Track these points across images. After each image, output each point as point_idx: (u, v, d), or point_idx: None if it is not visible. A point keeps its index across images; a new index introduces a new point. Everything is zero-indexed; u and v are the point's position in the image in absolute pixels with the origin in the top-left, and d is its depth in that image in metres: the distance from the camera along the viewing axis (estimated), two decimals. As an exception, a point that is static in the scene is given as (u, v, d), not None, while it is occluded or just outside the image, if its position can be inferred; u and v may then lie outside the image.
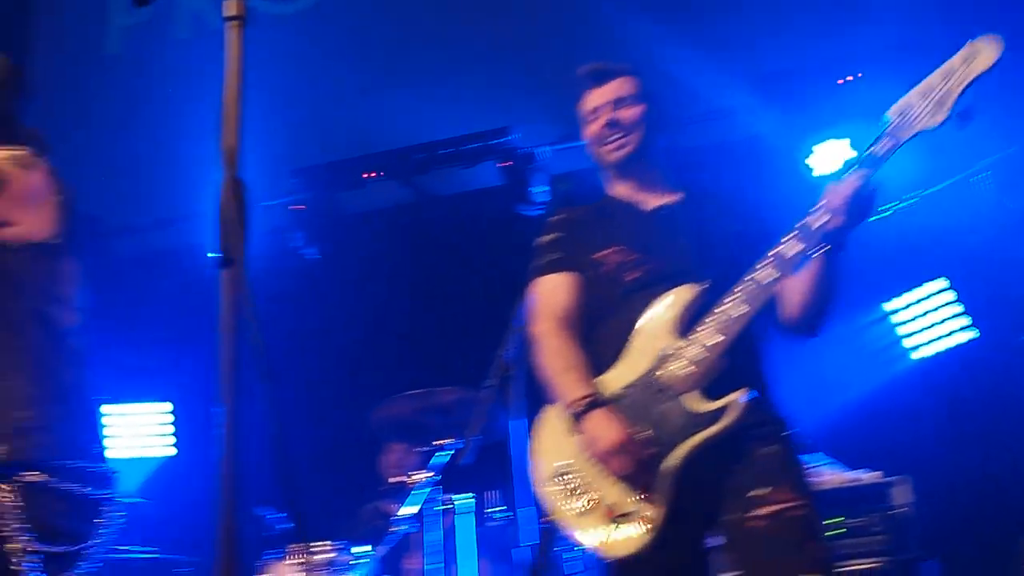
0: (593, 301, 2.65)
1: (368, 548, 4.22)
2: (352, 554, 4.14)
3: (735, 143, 5.54)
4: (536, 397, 2.72)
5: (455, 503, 4.21)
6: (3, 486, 2.18)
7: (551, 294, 2.70)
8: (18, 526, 2.17)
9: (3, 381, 2.27)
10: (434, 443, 4.12)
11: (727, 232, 2.60)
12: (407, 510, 4.02)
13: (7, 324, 2.32)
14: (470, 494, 4.26)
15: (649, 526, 2.37)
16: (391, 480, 4.99)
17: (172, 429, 6.28)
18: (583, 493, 2.48)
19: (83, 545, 2.31)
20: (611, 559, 2.44)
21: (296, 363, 5.83)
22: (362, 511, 4.92)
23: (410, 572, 4.29)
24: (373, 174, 5.87)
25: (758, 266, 2.38)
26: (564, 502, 2.51)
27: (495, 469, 4.44)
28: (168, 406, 6.29)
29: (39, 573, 2.19)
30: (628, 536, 2.39)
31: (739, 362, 2.41)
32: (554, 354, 2.60)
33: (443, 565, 4.06)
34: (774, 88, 5.33)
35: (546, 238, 2.79)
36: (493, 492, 4.64)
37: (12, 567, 2.16)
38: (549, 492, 2.54)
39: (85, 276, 2.53)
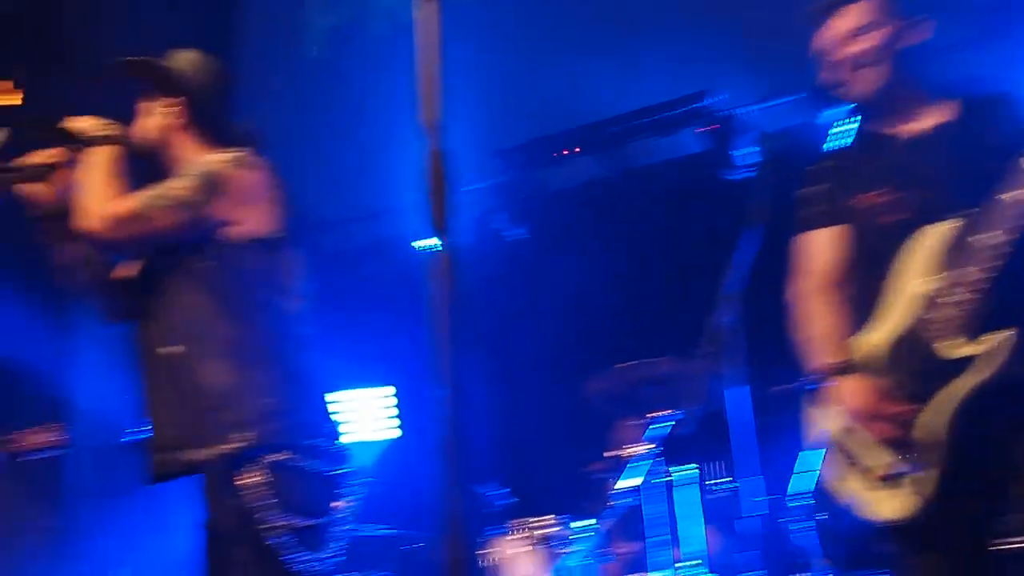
0: (857, 252, 2.53)
1: (590, 522, 4.23)
2: (573, 528, 4.16)
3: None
4: (755, 363, 2.65)
5: (676, 475, 4.14)
6: (254, 468, 2.32)
7: (813, 252, 2.60)
8: (270, 505, 2.29)
9: (245, 371, 2.40)
10: (652, 415, 4.07)
11: (1003, 143, 2.33)
12: (628, 483, 3.99)
13: (241, 317, 2.45)
14: (692, 465, 4.18)
15: (920, 489, 2.26)
16: (612, 453, 4.98)
17: (396, 412, 6.47)
18: (853, 459, 2.40)
19: (329, 518, 2.40)
20: (885, 524, 2.34)
21: (509, 343, 5.91)
22: (583, 485, 4.94)
23: (623, 557, 4.28)
24: (572, 150, 5.84)
25: (1011, 184, 2.19)
26: (838, 468, 2.43)
27: (715, 439, 4.36)
28: (391, 389, 6.49)
29: (294, 548, 2.30)
30: (900, 500, 2.30)
31: (1005, 299, 2.23)
32: (811, 318, 2.53)
33: (668, 538, 4.01)
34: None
35: (809, 189, 2.65)
36: (715, 463, 4.55)
37: (269, 544, 2.28)
38: (825, 459, 2.48)
39: (306, 267, 2.64)
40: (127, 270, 2.69)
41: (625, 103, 5.75)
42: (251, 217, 2.50)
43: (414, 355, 6.42)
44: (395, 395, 6.47)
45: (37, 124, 2.54)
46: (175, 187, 2.46)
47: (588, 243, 6.11)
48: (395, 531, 4.81)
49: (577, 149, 5.86)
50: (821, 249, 2.58)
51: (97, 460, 6.32)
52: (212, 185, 2.46)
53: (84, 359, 6.35)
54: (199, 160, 2.55)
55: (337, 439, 2.51)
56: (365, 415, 6.40)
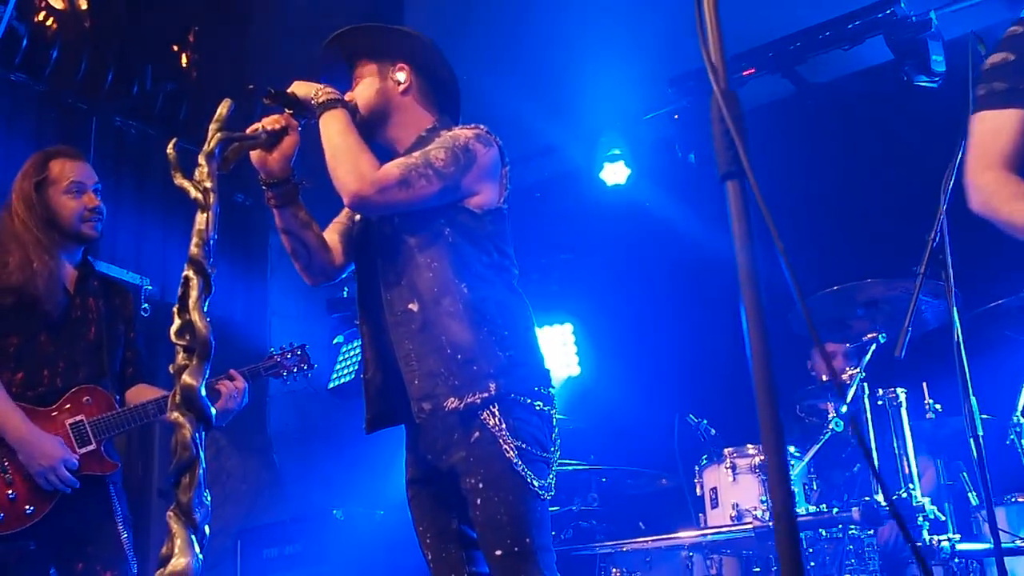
0: None
1: (798, 449, 4.17)
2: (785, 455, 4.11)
3: None
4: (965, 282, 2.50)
5: (888, 398, 4.01)
6: (494, 410, 2.53)
7: (992, 136, 2.35)
8: (511, 442, 2.51)
9: (486, 326, 2.59)
10: (863, 338, 3.95)
11: None
12: (839, 408, 3.90)
13: (481, 278, 2.64)
14: (902, 388, 4.04)
15: None
16: (822, 378, 4.88)
17: (575, 349, 6.50)
18: None
19: (553, 453, 2.64)
20: None
21: (704, 272, 5.80)
22: (791, 412, 4.86)
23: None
24: (751, 71, 5.66)
25: None
26: None
27: (926, 363, 4.20)
28: (570, 327, 6.52)
29: (534, 476, 2.53)
30: None
31: None
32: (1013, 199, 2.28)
33: (877, 464, 3.90)
34: None
35: (993, 59, 2.41)
36: (925, 385, 4.38)
37: (517, 470, 2.50)
38: None
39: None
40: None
41: (806, 17, 5.52)
42: (488, 189, 2.70)
43: (592, 292, 6.47)
44: (573, 332, 6.50)
45: (261, 93, 2.63)
46: (436, 157, 2.60)
47: (775, 167, 5.92)
48: (587, 465, 4.85)
49: (756, 70, 5.66)
50: (995, 135, 2.34)
51: (298, 405, 6.65)
52: (466, 158, 2.64)
53: (283, 312, 6.67)
54: (455, 132, 2.71)
55: (553, 384, 2.71)
56: (548, 353, 6.47)
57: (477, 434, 2.53)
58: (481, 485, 2.50)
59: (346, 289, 6.39)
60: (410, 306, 2.63)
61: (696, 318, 5.78)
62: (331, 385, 6.19)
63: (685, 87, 5.87)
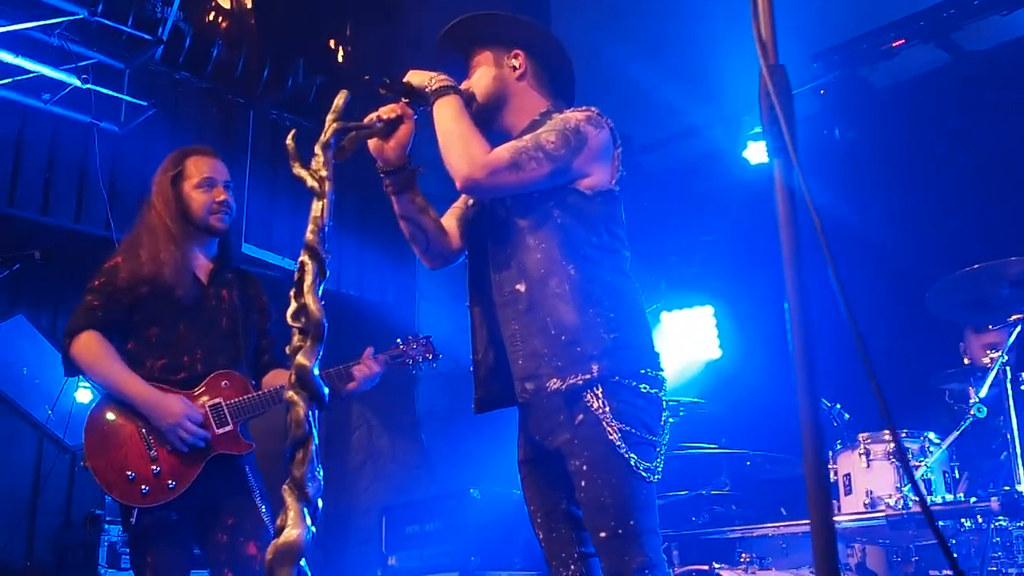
0: None
1: (936, 435, 4.02)
2: (925, 440, 3.97)
3: None
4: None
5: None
6: (598, 392, 2.54)
7: None
8: (615, 424, 2.52)
9: (592, 309, 2.60)
10: (1008, 319, 3.77)
11: None
12: (980, 392, 3.74)
13: (590, 260, 2.65)
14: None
15: None
16: (965, 361, 4.68)
17: (716, 332, 6.42)
18: None
19: (662, 436, 2.62)
20: None
21: (843, 252, 5.63)
22: (932, 397, 4.68)
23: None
24: (901, 41, 5.44)
25: None
26: None
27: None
28: (710, 309, 6.44)
29: (639, 460, 2.52)
30: None
31: None
32: None
33: (1021, 450, 3.72)
34: None
35: None
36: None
37: (621, 453, 2.51)
38: None
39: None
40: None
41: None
42: (599, 171, 2.71)
43: (734, 273, 6.36)
44: (714, 314, 6.42)
45: (376, 83, 2.68)
46: (546, 140, 2.63)
47: (925, 139, 5.67)
48: (724, 449, 4.80)
49: (907, 40, 5.43)
50: None
51: (445, 386, 6.82)
52: (576, 140, 2.65)
53: (431, 295, 6.85)
54: (566, 115, 2.72)
55: (661, 368, 2.69)
56: (688, 335, 6.39)
57: (581, 416, 2.54)
58: (586, 467, 2.52)
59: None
60: (517, 287, 2.67)
61: (836, 302, 5.59)
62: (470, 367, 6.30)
63: (830, 62, 5.69)
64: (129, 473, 3.25)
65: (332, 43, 7.82)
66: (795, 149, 1.50)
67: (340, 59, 7.79)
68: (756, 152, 6.13)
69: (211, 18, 7.11)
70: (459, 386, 6.55)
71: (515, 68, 2.85)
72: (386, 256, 7.02)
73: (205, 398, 3.40)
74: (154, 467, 3.28)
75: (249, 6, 7.30)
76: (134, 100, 6.19)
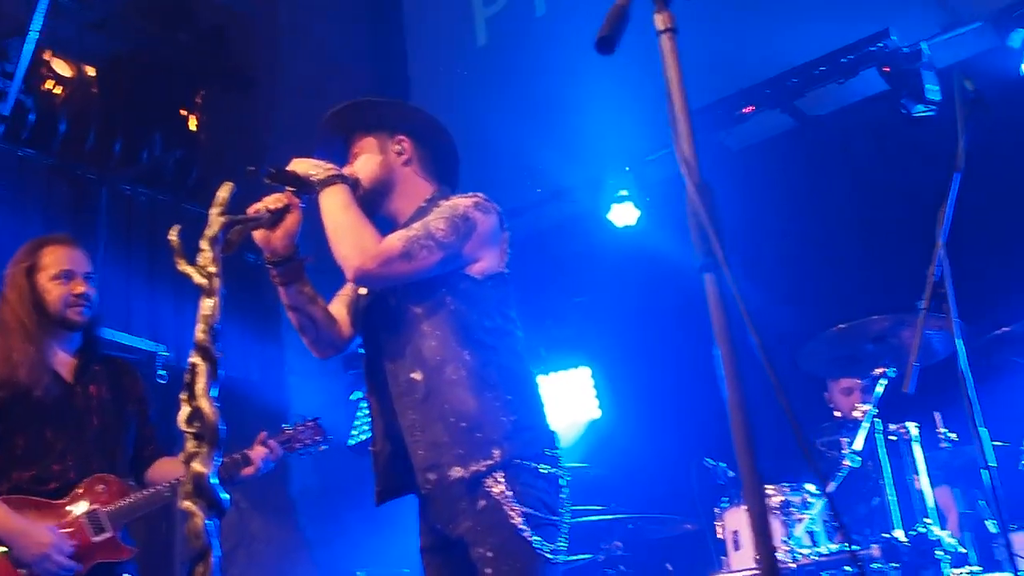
0: None
1: (816, 487, 4.15)
2: (804, 492, 4.10)
3: None
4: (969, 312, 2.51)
5: (900, 432, 4.00)
6: (499, 477, 2.53)
7: None
8: (518, 507, 2.51)
9: (490, 392, 2.60)
10: (872, 373, 3.95)
11: None
12: (853, 444, 3.90)
13: (484, 344, 2.66)
14: (915, 422, 4.04)
15: None
16: (834, 415, 4.87)
17: (594, 392, 6.48)
18: None
19: (563, 515, 2.62)
20: None
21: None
22: (806, 450, 4.84)
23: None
24: (751, 108, 5.71)
25: None
26: None
27: (937, 393, 4.20)
28: (588, 370, 6.51)
29: (540, 542, 2.51)
30: None
31: None
32: None
33: (894, 497, 3.89)
34: None
35: None
36: (938, 416, 4.38)
37: (524, 537, 2.49)
38: None
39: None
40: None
41: (800, 53, 5.57)
42: (489, 256, 2.74)
43: (609, 333, 6.47)
44: (592, 375, 6.50)
45: (262, 172, 2.65)
46: (436, 228, 2.64)
47: (777, 199, 5.95)
48: (613, 513, 4.84)
49: (756, 107, 5.71)
50: None
51: (318, 465, 6.65)
52: (465, 226, 2.67)
53: (300, 370, 6.71)
54: (453, 201, 2.74)
55: (559, 445, 2.70)
56: (566, 398, 6.43)
57: (483, 503, 2.52)
58: (490, 554, 2.50)
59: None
60: (413, 375, 2.65)
61: (708, 359, 5.75)
62: (351, 442, 6.22)
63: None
64: None
65: (185, 112, 7.65)
66: (725, 264, 1.54)
67: (194, 129, 7.62)
68: (620, 214, 6.27)
69: (52, 89, 6.85)
70: (333, 465, 6.42)
71: (400, 153, 2.86)
72: (249, 331, 6.85)
73: (80, 505, 3.22)
74: None
75: (92, 74, 7.07)
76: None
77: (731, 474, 4.45)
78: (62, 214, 6.46)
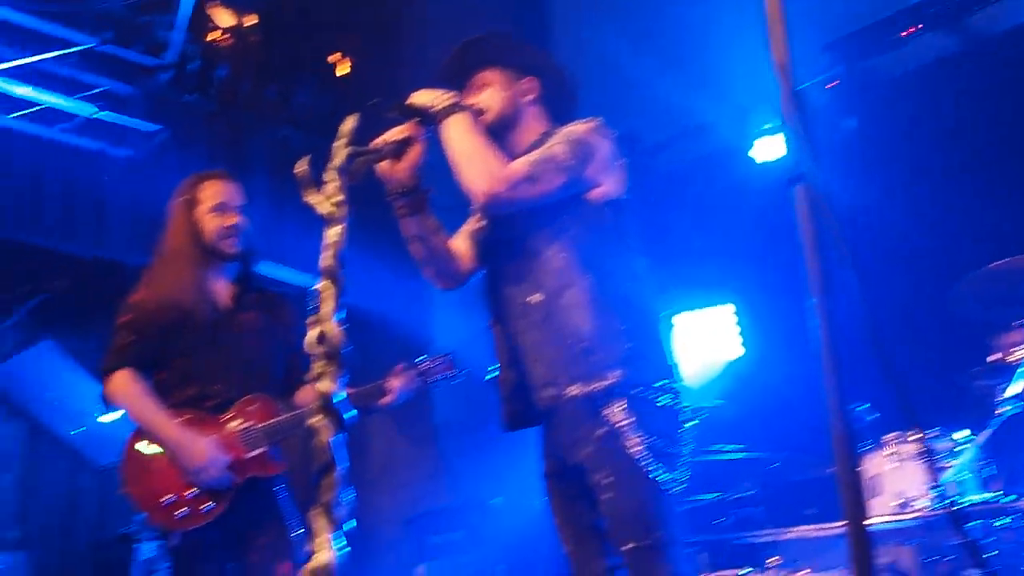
0: None
1: (969, 433, 3.98)
2: (952, 440, 3.93)
3: None
4: None
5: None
6: (618, 405, 2.56)
7: None
8: (635, 433, 2.54)
9: (607, 317, 2.63)
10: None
11: None
12: (1012, 389, 3.70)
13: (604, 270, 2.68)
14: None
15: None
16: (991, 358, 4.63)
17: (738, 330, 6.35)
18: None
19: (681, 445, 2.62)
20: None
21: (865, 248, 5.56)
22: (962, 395, 4.62)
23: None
24: (912, 29, 5.37)
25: None
26: None
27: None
28: (731, 307, 6.37)
29: (657, 470, 2.53)
30: None
31: None
32: None
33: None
34: None
35: None
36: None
37: (642, 466, 2.52)
38: None
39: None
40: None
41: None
42: (608, 181, 2.76)
43: (754, 269, 6.31)
44: (735, 312, 6.36)
45: (384, 105, 2.69)
46: (558, 152, 2.67)
47: (941, 131, 5.61)
48: (749, 452, 4.76)
49: (919, 27, 5.36)
50: None
51: (461, 397, 6.80)
52: (585, 151, 2.70)
53: (444, 303, 6.84)
54: (570, 127, 2.76)
55: (680, 378, 2.71)
56: (709, 335, 6.32)
57: (602, 430, 2.56)
58: (608, 481, 2.53)
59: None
60: (534, 299, 2.69)
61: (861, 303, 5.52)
62: (488, 377, 6.29)
63: (840, 53, 5.65)
64: (166, 499, 3.34)
65: (334, 59, 7.84)
66: (817, 175, 1.48)
67: (343, 75, 7.81)
68: (763, 150, 6.09)
69: (214, 38, 7.15)
70: (474, 396, 6.53)
71: (526, 93, 2.90)
72: (395, 267, 7.01)
73: (236, 422, 3.47)
74: (188, 492, 3.35)
75: (250, 24, 7.32)
76: (146, 125, 6.27)
77: (873, 417, 4.30)
78: (222, 156, 6.78)
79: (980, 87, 5.59)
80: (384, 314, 7.19)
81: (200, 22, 6.89)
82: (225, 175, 3.70)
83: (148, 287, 3.55)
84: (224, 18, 7.17)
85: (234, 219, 3.58)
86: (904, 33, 5.48)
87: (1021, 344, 4.60)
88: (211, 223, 3.55)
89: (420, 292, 7.04)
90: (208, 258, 3.56)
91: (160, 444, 3.39)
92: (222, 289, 3.61)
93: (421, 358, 3.74)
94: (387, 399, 3.55)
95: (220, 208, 3.57)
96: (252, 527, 3.43)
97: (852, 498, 1.40)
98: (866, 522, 1.48)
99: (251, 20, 7.32)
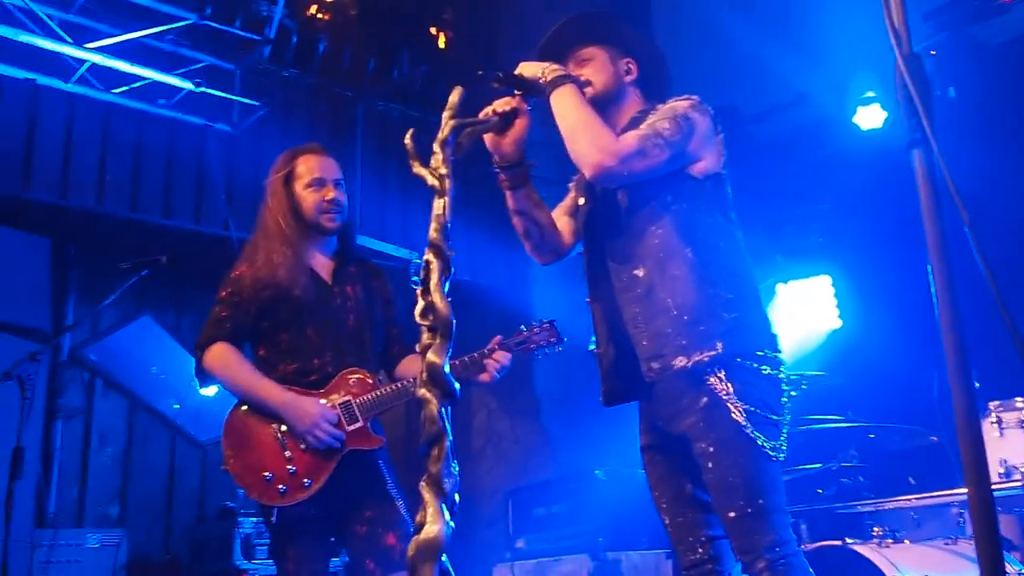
0: None
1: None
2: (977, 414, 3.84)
3: None
4: None
5: None
6: (721, 375, 2.58)
7: None
8: (739, 405, 2.55)
9: (712, 290, 2.65)
10: None
11: None
12: None
13: (706, 243, 2.70)
14: None
15: None
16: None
17: (835, 301, 6.27)
18: None
19: (783, 414, 2.61)
20: None
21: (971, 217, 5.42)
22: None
23: None
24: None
25: None
26: None
27: None
28: (828, 279, 6.30)
29: (765, 439, 2.55)
30: None
31: None
32: None
33: None
34: None
35: None
36: None
37: (746, 433, 2.53)
38: None
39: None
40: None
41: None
42: (708, 155, 2.77)
43: (851, 241, 6.21)
44: (833, 284, 6.29)
45: (489, 77, 2.67)
46: (663, 127, 2.68)
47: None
48: (849, 422, 4.71)
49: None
50: None
51: (561, 368, 6.85)
52: (687, 126, 2.71)
53: (543, 277, 6.88)
54: (671, 104, 2.78)
55: (780, 348, 2.71)
56: (807, 306, 6.26)
57: (705, 399, 2.57)
58: (712, 449, 2.55)
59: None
60: (637, 272, 2.71)
61: (959, 267, 5.40)
62: (591, 347, 6.32)
63: (941, 20, 5.50)
64: (266, 474, 3.33)
65: (433, 30, 7.91)
66: (934, 140, 1.47)
67: (442, 46, 7.87)
68: (866, 117, 5.97)
69: (313, 12, 7.27)
70: (575, 368, 6.58)
71: (628, 72, 2.92)
72: (495, 240, 7.08)
73: (335, 396, 3.45)
74: (290, 467, 3.35)
75: (347, -1, 7.43)
76: (246, 100, 6.37)
77: (976, 385, 4.21)
78: (322, 130, 6.89)
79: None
80: (483, 286, 7.26)
81: (300, -3, 7.02)
82: (321, 149, 3.68)
83: (247, 262, 3.51)
84: (321, -8, 7.29)
85: (332, 193, 3.55)
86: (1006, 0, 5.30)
87: None
88: (309, 198, 3.54)
89: (519, 265, 7.10)
90: (307, 233, 3.55)
91: (264, 409, 3.39)
92: (321, 263, 3.60)
93: (523, 326, 3.72)
94: (485, 376, 3.46)
95: (318, 183, 3.55)
96: (356, 500, 3.41)
97: (975, 466, 1.39)
98: (991, 488, 1.47)
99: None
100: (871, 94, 5.89)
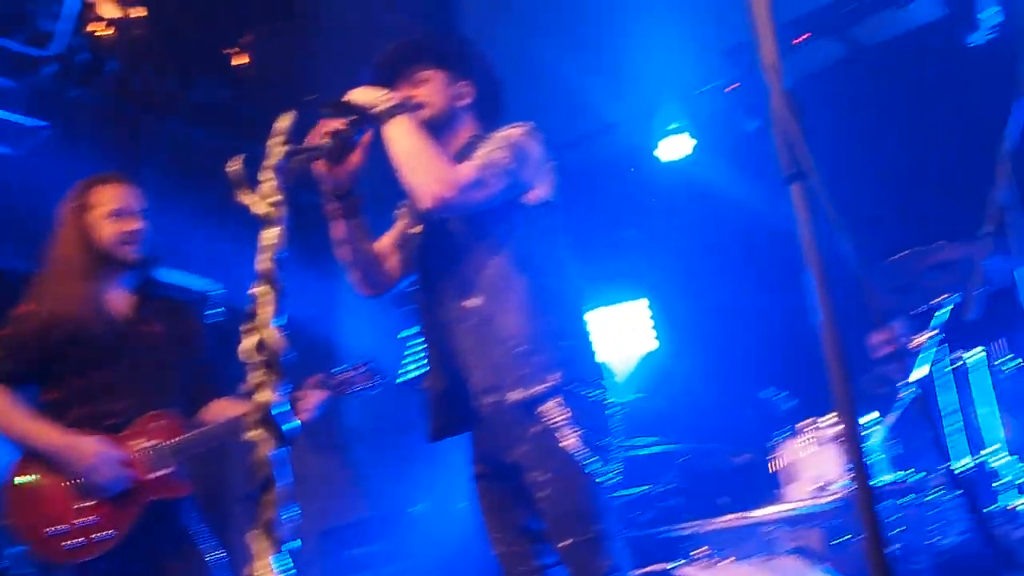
0: None
1: (876, 416, 4.13)
2: (862, 424, 4.07)
3: None
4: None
5: (964, 360, 3.96)
6: (554, 402, 2.57)
7: None
8: (573, 429, 2.55)
9: (546, 318, 2.63)
10: (933, 302, 3.90)
11: None
12: (915, 373, 3.86)
13: (540, 271, 2.68)
14: (979, 348, 3.99)
15: None
16: (895, 344, 4.82)
17: (651, 323, 6.46)
18: None
19: (613, 439, 2.65)
20: None
21: (775, 248, 5.75)
22: (868, 380, 4.81)
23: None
24: (804, 37, 5.59)
25: None
26: None
27: (1000, 319, 4.14)
28: (645, 301, 6.48)
29: (594, 464, 2.55)
30: None
31: None
32: None
33: (960, 425, 3.86)
34: None
35: None
36: (1001, 343, 4.33)
37: (579, 460, 2.54)
38: None
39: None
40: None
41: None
42: (541, 183, 2.76)
43: (665, 264, 6.45)
44: (649, 306, 6.47)
45: (322, 103, 2.59)
46: (499, 156, 2.64)
47: (835, 132, 5.83)
48: (666, 444, 4.84)
49: (809, 35, 5.59)
50: None
51: (368, 403, 6.70)
52: (522, 154, 2.69)
53: (352, 308, 6.74)
54: (505, 132, 2.74)
55: (607, 373, 2.75)
56: (624, 329, 6.41)
57: (538, 427, 2.56)
58: (546, 477, 2.54)
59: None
60: (471, 302, 2.66)
61: (767, 288, 5.71)
62: (399, 380, 6.26)
63: (738, 58, 5.81)
64: (52, 529, 3.07)
65: (232, 50, 7.63)
66: (813, 171, 1.50)
67: (241, 66, 7.60)
68: (670, 148, 6.21)
69: (100, 30, 6.87)
70: (383, 403, 6.46)
71: (463, 96, 2.86)
72: (300, 267, 6.86)
73: (135, 442, 3.21)
74: (81, 520, 3.10)
75: (138, 15, 7.06)
76: (28, 121, 5.98)
77: (789, 405, 4.43)
78: (113, 154, 6.49)
79: (862, 93, 5.86)
80: (291, 317, 7.02)
81: (85, 14, 6.61)
82: (121, 177, 3.43)
83: (34, 299, 3.28)
84: (108, 8, 6.89)
85: (134, 224, 3.32)
86: (795, 41, 5.67)
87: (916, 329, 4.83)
88: (108, 229, 3.29)
89: (328, 295, 6.92)
90: (103, 267, 3.29)
91: (41, 454, 3.10)
92: (120, 299, 3.34)
93: (339, 368, 3.52)
94: (303, 415, 3.27)
95: (118, 213, 3.31)
96: (163, 554, 3.17)
97: (860, 475, 1.42)
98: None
99: (138, 11, 7.06)
100: (675, 125, 6.13)
